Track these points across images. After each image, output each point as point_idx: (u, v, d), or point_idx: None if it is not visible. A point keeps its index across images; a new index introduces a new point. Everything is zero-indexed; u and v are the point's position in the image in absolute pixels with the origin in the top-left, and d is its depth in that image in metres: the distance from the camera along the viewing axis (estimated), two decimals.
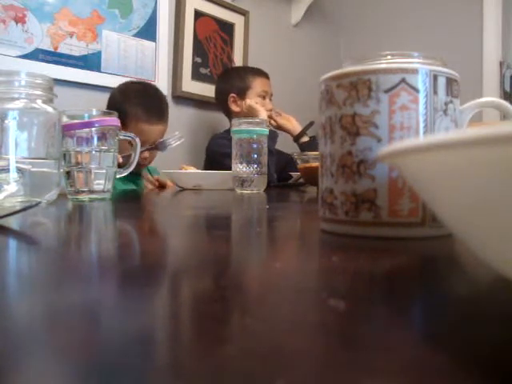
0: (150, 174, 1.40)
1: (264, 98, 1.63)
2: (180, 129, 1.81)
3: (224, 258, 0.23)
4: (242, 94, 1.62)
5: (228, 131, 1.63)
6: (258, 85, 1.62)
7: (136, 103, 1.22)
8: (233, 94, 1.64)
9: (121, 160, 0.76)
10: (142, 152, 0.98)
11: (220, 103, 1.71)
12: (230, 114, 1.67)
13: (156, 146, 1.08)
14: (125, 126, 1.10)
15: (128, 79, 1.62)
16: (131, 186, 1.26)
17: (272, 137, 1.39)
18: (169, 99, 1.80)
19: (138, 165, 1.11)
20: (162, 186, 1.26)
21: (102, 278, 0.18)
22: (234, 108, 1.64)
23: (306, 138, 1.63)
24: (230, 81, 1.66)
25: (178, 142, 1.07)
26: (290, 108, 1.85)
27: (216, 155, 1.53)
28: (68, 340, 0.11)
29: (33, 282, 0.17)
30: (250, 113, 1.54)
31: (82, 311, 0.13)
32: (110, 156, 0.64)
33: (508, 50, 2.19)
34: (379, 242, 0.27)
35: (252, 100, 1.58)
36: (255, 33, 2.10)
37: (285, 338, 0.11)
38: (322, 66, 1.97)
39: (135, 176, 1.29)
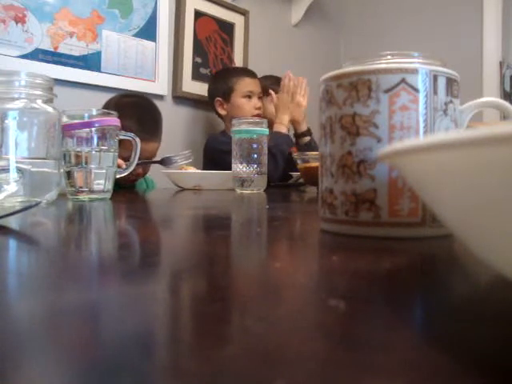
0: (147, 186, 1.38)
1: (250, 97, 1.60)
2: (180, 129, 1.82)
3: (224, 258, 0.23)
4: (226, 96, 1.61)
5: (223, 132, 1.63)
6: (241, 86, 1.60)
7: (130, 119, 1.14)
8: (218, 98, 1.63)
9: (124, 166, 0.76)
10: (139, 165, 0.95)
11: (211, 107, 1.71)
12: (221, 117, 1.67)
13: (161, 161, 1.07)
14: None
15: (128, 79, 1.62)
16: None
17: (288, 142, 1.39)
18: (169, 99, 1.80)
19: (131, 180, 1.08)
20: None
21: (102, 277, 0.18)
22: (221, 111, 1.64)
23: (307, 138, 1.54)
24: (215, 84, 1.66)
25: (185, 162, 1.06)
26: None
27: (216, 152, 1.52)
28: (68, 340, 0.11)
29: (33, 281, 0.17)
30: (235, 113, 1.53)
31: (81, 311, 0.13)
32: (110, 156, 0.64)
33: (508, 49, 2.19)
34: (379, 241, 0.27)
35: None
36: (255, 33, 2.10)
37: (285, 338, 0.11)
38: (322, 66, 1.97)
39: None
